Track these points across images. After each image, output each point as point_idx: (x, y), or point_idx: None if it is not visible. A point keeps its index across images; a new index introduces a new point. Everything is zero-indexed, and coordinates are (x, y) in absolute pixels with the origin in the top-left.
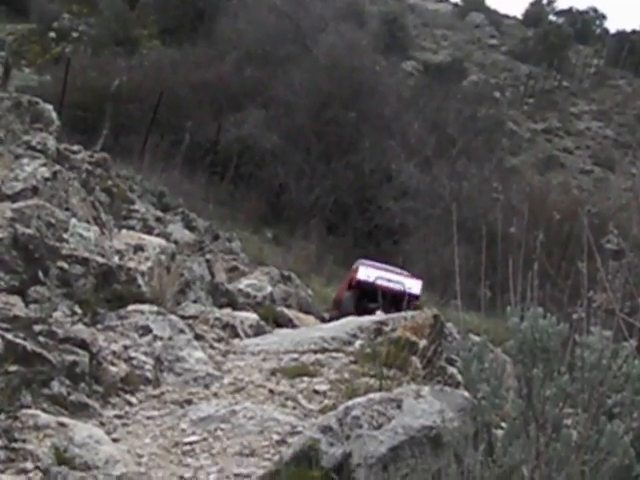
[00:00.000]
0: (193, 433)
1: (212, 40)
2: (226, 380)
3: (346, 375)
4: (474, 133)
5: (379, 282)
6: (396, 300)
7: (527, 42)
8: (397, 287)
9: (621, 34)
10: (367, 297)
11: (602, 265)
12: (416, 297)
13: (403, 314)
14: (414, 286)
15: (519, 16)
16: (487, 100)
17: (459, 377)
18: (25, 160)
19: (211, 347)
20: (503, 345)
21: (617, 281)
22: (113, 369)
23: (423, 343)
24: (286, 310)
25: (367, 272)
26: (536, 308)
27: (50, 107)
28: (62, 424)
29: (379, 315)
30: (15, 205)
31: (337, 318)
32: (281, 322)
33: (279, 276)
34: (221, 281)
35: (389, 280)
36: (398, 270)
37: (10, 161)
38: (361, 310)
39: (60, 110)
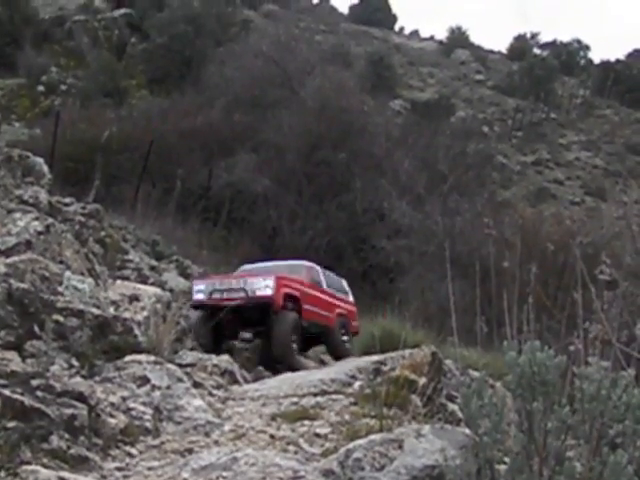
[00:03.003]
0: None
1: (200, 87)
2: (226, 427)
3: (347, 417)
4: (464, 168)
5: (215, 296)
6: (250, 311)
7: (513, 76)
8: (237, 297)
9: (606, 64)
10: (215, 313)
11: (597, 295)
12: (270, 299)
13: (401, 353)
14: (263, 287)
15: (504, 51)
16: (476, 135)
17: (460, 414)
18: (18, 214)
19: (210, 394)
20: (502, 379)
21: (613, 311)
22: (112, 421)
23: (422, 381)
24: None
25: (205, 287)
26: (533, 341)
27: (41, 160)
28: (63, 479)
29: (246, 336)
30: (9, 260)
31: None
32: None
33: None
34: None
35: (229, 290)
36: (274, 266)
37: (3, 216)
38: (224, 335)
39: (51, 163)
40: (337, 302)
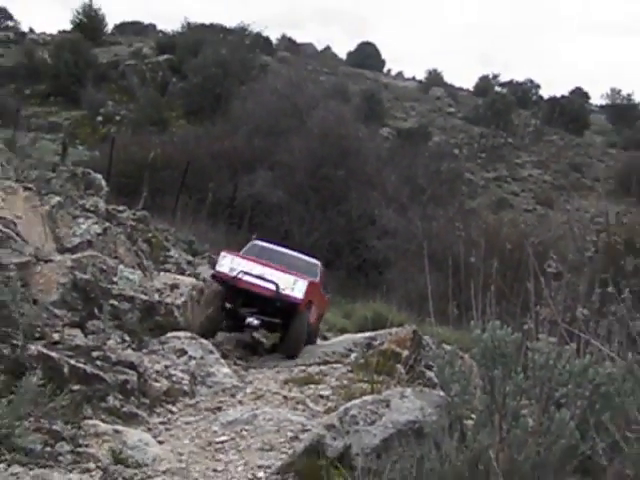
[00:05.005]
0: (223, 434)
1: (227, 118)
2: (248, 390)
3: (345, 382)
4: (439, 183)
5: (244, 278)
6: (271, 305)
7: (478, 109)
8: (267, 288)
9: (553, 99)
10: (241, 296)
11: (546, 284)
12: (298, 302)
13: (388, 330)
14: (296, 288)
15: (471, 88)
16: (448, 156)
17: (435, 379)
18: (81, 219)
19: (235, 364)
20: (470, 352)
21: (558, 297)
22: (157, 385)
23: (405, 353)
24: None
25: (232, 262)
26: (494, 321)
27: (100, 176)
28: (117, 431)
29: (254, 323)
30: (74, 256)
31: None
32: None
33: None
34: None
35: (260, 277)
36: (292, 258)
37: (69, 221)
38: (231, 313)
39: (108, 178)
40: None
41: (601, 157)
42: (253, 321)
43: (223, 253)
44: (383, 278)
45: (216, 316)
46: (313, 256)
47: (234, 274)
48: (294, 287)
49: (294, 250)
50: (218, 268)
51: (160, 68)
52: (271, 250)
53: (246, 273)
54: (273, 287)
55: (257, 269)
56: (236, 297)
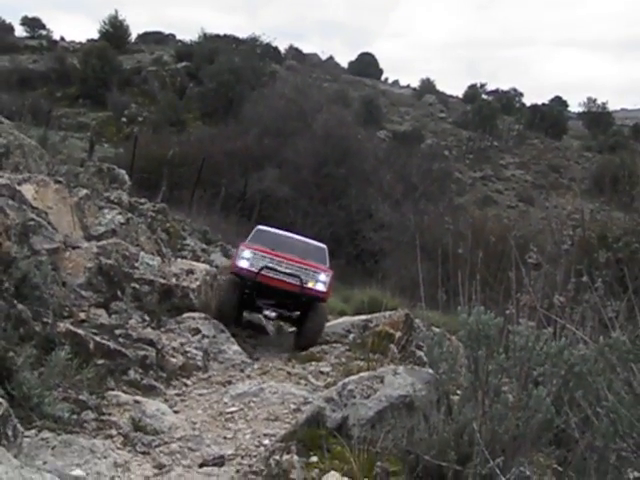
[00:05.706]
0: (233, 405)
1: (239, 120)
2: (256, 366)
3: (343, 359)
4: (431, 181)
5: (267, 274)
6: (293, 298)
7: (467, 114)
8: (292, 283)
9: (534, 106)
10: (260, 288)
11: (526, 274)
12: (322, 295)
13: (383, 314)
14: (319, 281)
15: (460, 96)
16: (439, 157)
17: (425, 358)
18: (106, 210)
19: (244, 342)
20: (456, 334)
21: (537, 285)
22: (173, 360)
23: (398, 334)
24: None
25: (253, 257)
26: (479, 307)
27: (123, 172)
28: (137, 401)
29: (271, 315)
30: (99, 243)
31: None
32: None
33: None
34: None
35: (284, 272)
36: (300, 243)
37: (95, 211)
38: (248, 305)
39: (131, 173)
40: None
41: (577, 159)
42: (271, 314)
43: (242, 247)
44: (379, 266)
45: (231, 311)
46: (317, 239)
47: (256, 269)
48: (317, 280)
49: (298, 234)
50: (239, 263)
51: (179, 74)
52: (278, 235)
53: (269, 268)
54: (297, 282)
55: (281, 264)
56: (255, 289)
